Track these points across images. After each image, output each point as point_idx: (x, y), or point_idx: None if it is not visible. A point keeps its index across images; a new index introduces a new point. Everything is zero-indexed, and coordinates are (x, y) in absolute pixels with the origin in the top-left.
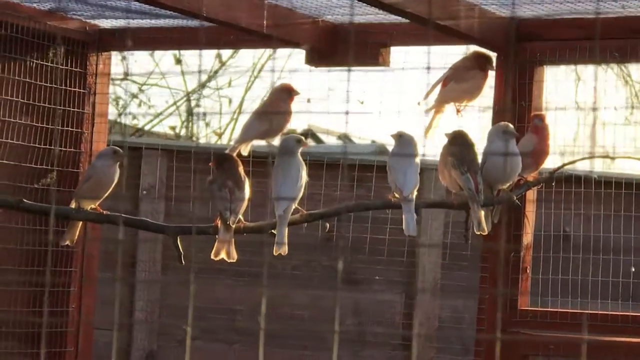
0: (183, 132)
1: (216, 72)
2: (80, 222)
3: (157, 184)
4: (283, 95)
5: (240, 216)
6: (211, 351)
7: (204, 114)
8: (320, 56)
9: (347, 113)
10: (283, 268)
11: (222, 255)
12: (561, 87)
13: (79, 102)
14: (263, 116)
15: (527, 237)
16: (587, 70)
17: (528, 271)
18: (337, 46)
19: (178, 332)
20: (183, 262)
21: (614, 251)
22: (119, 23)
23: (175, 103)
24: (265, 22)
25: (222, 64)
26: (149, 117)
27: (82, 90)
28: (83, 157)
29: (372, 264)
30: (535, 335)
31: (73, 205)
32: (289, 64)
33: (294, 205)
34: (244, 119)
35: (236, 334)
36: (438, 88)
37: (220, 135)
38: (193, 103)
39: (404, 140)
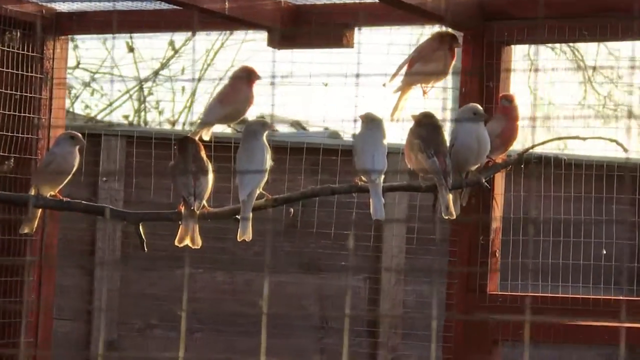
0: (136, 120)
1: (169, 59)
2: (40, 210)
3: (116, 170)
4: (244, 77)
5: (204, 202)
6: (171, 340)
7: (157, 102)
8: (282, 38)
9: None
10: (245, 255)
11: (187, 241)
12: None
13: (36, 88)
14: (225, 100)
15: (496, 221)
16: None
17: (497, 255)
18: (300, 28)
19: (138, 321)
20: (146, 249)
21: (583, 234)
22: (76, 6)
23: (128, 91)
24: (227, 4)
25: (176, 51)
26: (101, 105)
27: (39, 76)
28: (41, 144)
29: (335, 249)
30: (505, 319)
31: (32, 192)
32: (250, 46)
33: (259, 190)
34: (197, 107)
35: (197, 323)
36: (404, 69)
37: (173, 123)
38: (146, 91)
39: (371, 123)
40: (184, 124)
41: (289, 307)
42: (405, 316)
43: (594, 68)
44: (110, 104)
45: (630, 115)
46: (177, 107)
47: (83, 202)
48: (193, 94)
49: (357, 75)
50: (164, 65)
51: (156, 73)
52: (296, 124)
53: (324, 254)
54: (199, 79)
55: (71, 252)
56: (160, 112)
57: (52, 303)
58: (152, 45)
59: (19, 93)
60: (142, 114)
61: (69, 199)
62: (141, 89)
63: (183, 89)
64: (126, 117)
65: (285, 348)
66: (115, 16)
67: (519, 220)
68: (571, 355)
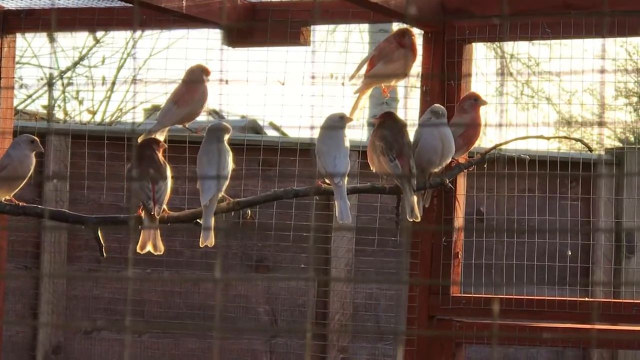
0: (56, 110)
1: (90, 49)
2: None
3: (61, 170)
4: (197, 76)
5: (165, 205)
6: (119, 342)
7: (77, 93)
8: (238, 36)
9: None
10: (193, 255)
11: (149, 247)
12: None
13: None
14: (180, 101)
15: (459, 221)
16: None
17: (460, 257)
18: (256, 26)
19: (84, 323)
20: (104, 254)
21: (548, 235)
22: (24, 4)
23: (48, 82)
24: (184, 3)
25: (97, 41)
26: (21, 97)
27: None
28: None
29: (284, 250)
30: (469, 322)
31: None
32: (205, 44)
33: (220, 194)
34: (116, 96)
35: (145, 324)
36: (364, 68)
37: (94, 114)
38: (66, 81)
39: (334, 124)
40: (103, 114)
41: (236, 308)
42: (356, 317)
43: (512, 55)
44: (30, 96)
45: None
46: (97, 97)
47: (39, 206)
48: (112, 83)
49: (313, 76)
50: (84, 56)
51: (76, 63)
52: (214, 113)
53: (273, 254)
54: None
55: (16, 254)
56: (80, 102)
57: (2, 308)
58: (73, 35)
59: None
60: (62, 104)
61: (24, 204)
62: (61, 79)
63: (103, 78)
64: (45, 107)
65: (235, 349)
66: (56, 14)
67: (482, 221)
68: (520, 353)
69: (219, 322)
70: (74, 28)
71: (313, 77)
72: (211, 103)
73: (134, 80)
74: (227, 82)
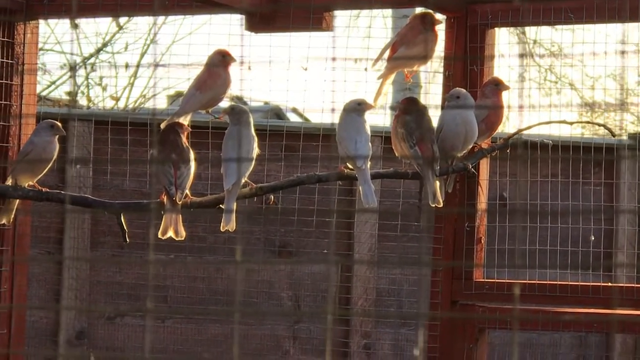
0: (79, 96)
1: (113, 35)
2: (17, 200)
3: (85, 156)
4: (220, 61)
5: (187, 190)
6: (142, 327)
7: (101, 78)
8: (260, 21)
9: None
10: (216, 240)
11: (170, 233)
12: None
13: (6, 74)
14: (203, 87)
15: (482, 206)
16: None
17: (482, 242)
18: (278, 11)
19: (107, 309)
20: (127, 240)
21: (571, 219)
22: None
23: (72, 68)
24: None
25: (120, 27)
26: (44, 83)
27: (9, 61)
28: (12, 131)
29: (307, 236)
30: (492, 307)
31: (9, 182)
32: (227, 30)
33: (244, 179)
34: (139, 82)
35: (168, 310)
36: (386, 54)
37: (117, 100)
38: (89, 68)
39: (353, 109)
40: (126, 100)
41: (259, 294)
42: (379, 302)
43: (534, 41)
44: (53, 82)
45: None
46: (120, 83)
47: (62, 192)
48: (136, 70)
49: (334, 59)
50: (107, 43)
51: (99, 50)
52: (236, 98)
53: (296, 239)
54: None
55: (40, 239)
56: (104, 89)
57: (25, 293)
58: (95, 21)
59: None
60: (85, 90)
61: (47, 190)
62: (84, 65)
63: (126, 64)
64: (68, 93)
65: (258, 334)
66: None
67: (505, 206)
68: (543, 338)
69: (240, 307)
70: (97, 14)
71: (334, 60)
72: (234, 89)
73: (156, 66)
74: (249, 67)
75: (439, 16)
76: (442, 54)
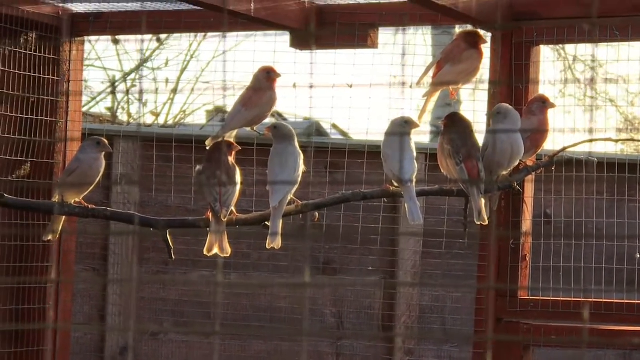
0: (120, 112)
1: (153, 52)
2: (63, 217)
3: (129, 172)
4: (265, 78)
5: (233, 207)
6: (186, 344)
7: (141, 93)
8: (306, 38)
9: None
10: (260, 257)
11: (215, 249)
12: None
13: (52, 90)
14: (248, 103)
15: (526, 224)
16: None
17: (528, 259)
18: (323, 28)
19: (152, 325)
20: (173, 257)
21: (616, 237)
22: (93, 7)
23: (112, 84)
24: (253, 6)
25: (160, 43)
26: (85, 99)
27: (55, 78)
28: (58, 147)
29: (352, 253)
30: (537, 325)
31: (56, 198)
32: (272, 47)
33: (290, 196)
34: (180, 98)
35: (212, 326)
36: (431, 71)
37: (157, 116)
38: (129, 84)
39: (398, 128)
40: (166, 116)
41: (303, 311)
42: (422, 319)
43: (575, 57)
44: (94, 98)
45: None
46: (160, 99)
47: (108, 209)
48: (176, 85)
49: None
50: (147, 59)
51: (140, 65)
52: (277, 114)
53: (340, 257)
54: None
55: (85, 256)
56: (144, 104)
57: (70, 310)
58: (136, 37)
59: (35, 96)
60: (126, 106)
61: (94, 206)
62: (125, 81)
63: (167, 80)
64: (109, 109)
65: (301, 351)
66: (123, 17)
67: (549, 224)
68: (587, 355)
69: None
70: (142, 31)
71: (378, 77)
72: (278, 105)
73: (197, 83)
74: (294, 85)
75: (484, 34)
76: (487, 72)
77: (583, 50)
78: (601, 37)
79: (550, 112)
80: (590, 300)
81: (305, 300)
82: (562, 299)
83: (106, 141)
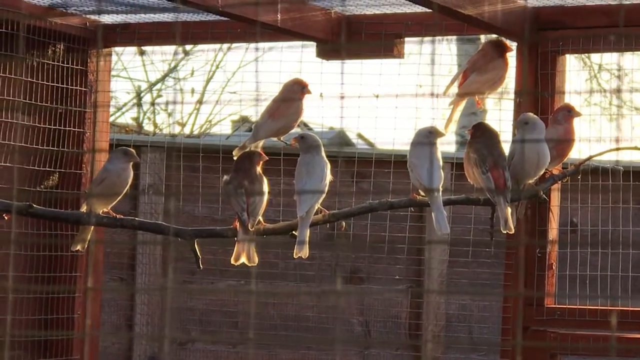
0: (145, 122)
1: (178, 62)
2: (92, 227)
3: (156, 182)
4: (295, 90)
5: (260, 217)
6: (213, 353)
7: (167, 104)
8: (332, 49)
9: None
10: (286, 267)
11: (243, 259)
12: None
13: (80, 101)
14: (276, 114)
15: (553, 232)
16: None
17: (554, 268)
18: (349, 38)
19: (179, 334)
20: (201, 266)
21: (635, 244)
22: (120, 18)
23: (138, 94)
24: (279, 16)
25: (186, 53)
26: (111, 109)
27: (83, 89)
28: (85, 158)
29: (378, 262)
30: (564, 333)
31: (84, 209)
32: (298, 57)
33: (317, 206)
34: (205, 109)
35: (239, 335)
36: (457, 81)
37: (183, 126)
38: (155, 94)
39: (424, 138)
40: (192, 126)
41: (330, 319)
42: (449, 327)
43: (600, 65)
44: (120, 109)
45: None
46: (185, 110)
47: (135, 219)
48: (201, 95)
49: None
50: (172, 69)
51: (165, 76)
52: (302, 124)
53: (367, 265)
54: (208, 81)
55: (112, 265)
56: (170, 115)
57: (99, 319)
58: (162, 48)
59: (62, 107)
60: (152, 116)
61: (122, 216)
62: (150, 91)
63: (192, 90)
64: (135, 119)
65: None
66: (160, 28)
67: (575, 232)
68: None
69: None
70: (169, 42)
71: (405, 87)
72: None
73: (223, 93)
74: (321, 95)
75: (509, 43)
76: (513, 81)
77: (608, 58)
78: (627, 46)
79: (576, 121)
80: (617, 308)
81: (339, 309)
82: (588, 307)
83: (134, 151)
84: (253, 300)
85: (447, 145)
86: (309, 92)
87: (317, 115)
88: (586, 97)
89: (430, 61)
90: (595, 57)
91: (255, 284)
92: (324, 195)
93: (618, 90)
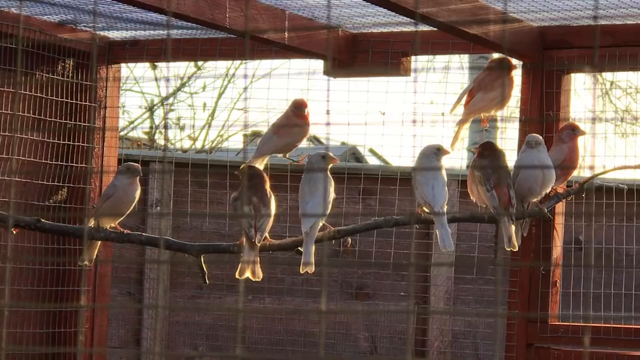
0: (157, 137)
1: (190, 77)
2: (99, 242)
3: (164, 198)
4: (297, 111)
5: (267, 233)
6: None
7: (178, 119)
8: (339, 66)
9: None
10: (293, 282)
11: (247, 274)
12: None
13: (89, 116)
14: (281, 132)
15: (557, 251)
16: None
17: (558, 285)
18: (357, 56)
19: (186, 349)
20: (207, 281)
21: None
22: (129, 34)
23: (150, 108)
24: (287, 34)
25: (198, 68)
26: (123, 123)
27: (92, 104)
28: (94, 173)
29: (384, 278)
30: (567, 350)
31: (92, 224)
32: (306, 74)
33: (321, 222)
34: (217, 123)
35: (247, 350)
36: (464, 99)
37: (194, 140)
38: (167, 108)
39: (429, 156)
40: (204, 140)
41: (337, 335)
42: (455, 344)
43: (611, 82)
44: (132, 122)
45: None
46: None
47: (143, 234)
48: (213, 110)
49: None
50: (184, 83)
51: (178, 90)
52: (314, 139)
53: (373, 282)
54: (220, 94)
55: (120, 280)
56: (182, 129)
57: (106, 332)
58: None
59: (71, 122)
60: (163, 130)
61: (129, 231)
62: (162, 105)
63: (204, 105)
64: (147, 133)
65: None
66: (161, 45)
67: (580, 250)
68: None
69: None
70: (179, 58)
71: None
72: (312, 130)
73: (234, 108)
74: (328, 112)
75: (515, 61)
76: (519, 99)
77: (619, 75)
78: (632, 64)
79: (583, 138)
80: (621, 326)
81: (354, 324)
82: (592, 324)
83: (137, 165)
84: (240, 317)
85: (453, 162)
86: (305, 107)
87: (325, 130)
88: (594, 115)
89: (440, 78)
90: (608, 74)
91: (262, 299)
92: (328, 212)
93: (626, 111)
